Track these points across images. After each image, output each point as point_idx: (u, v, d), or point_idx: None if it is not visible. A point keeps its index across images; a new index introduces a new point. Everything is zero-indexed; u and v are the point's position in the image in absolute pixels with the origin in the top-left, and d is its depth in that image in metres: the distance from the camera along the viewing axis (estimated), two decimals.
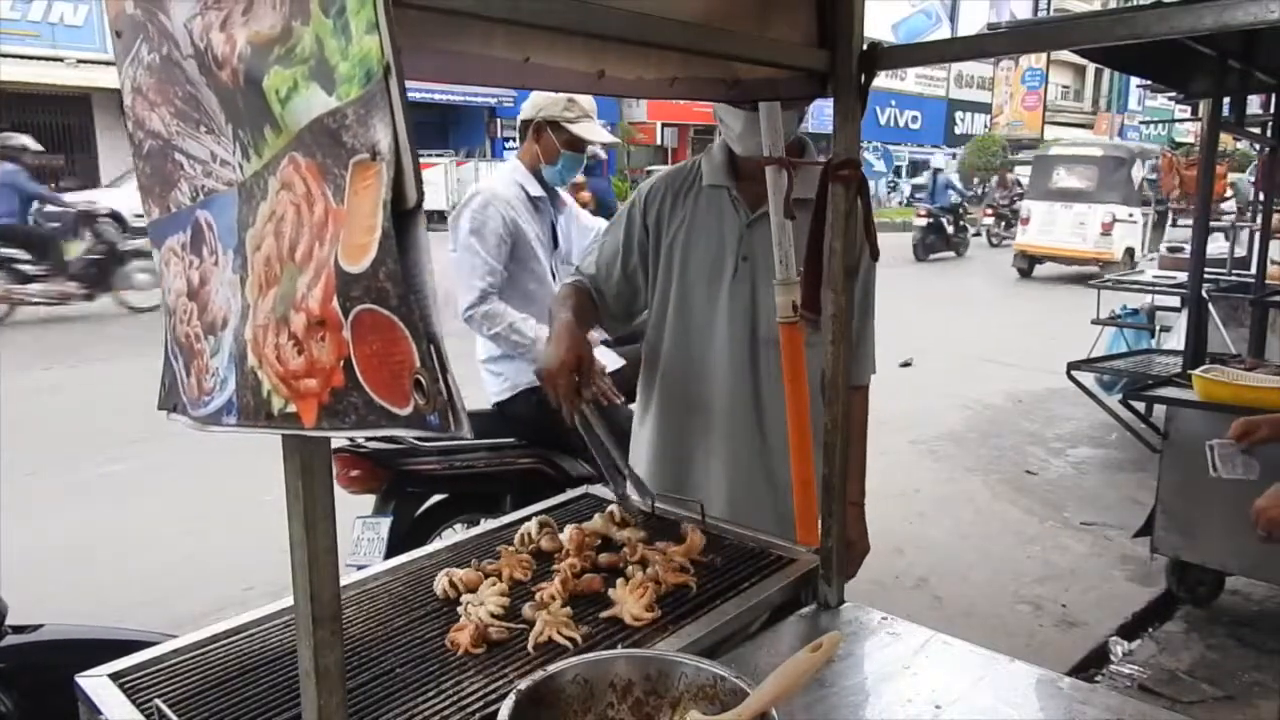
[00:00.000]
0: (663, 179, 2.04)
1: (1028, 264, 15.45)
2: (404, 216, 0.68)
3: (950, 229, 17.47)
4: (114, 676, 1.25)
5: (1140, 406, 4.26)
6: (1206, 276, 4.76)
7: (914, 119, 33.55)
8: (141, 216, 1.08)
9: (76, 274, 9.38)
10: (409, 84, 0.69)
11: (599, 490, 1.98)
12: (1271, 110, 5.25)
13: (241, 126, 0.83)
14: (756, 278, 1.90)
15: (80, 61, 16.56)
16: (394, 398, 0.71)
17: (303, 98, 0.73)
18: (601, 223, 3.08)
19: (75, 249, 9.50)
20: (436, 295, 0.69)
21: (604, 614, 1.39)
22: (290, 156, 0.77)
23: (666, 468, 2.02)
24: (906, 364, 7.89)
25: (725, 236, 1.93)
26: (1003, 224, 19.26)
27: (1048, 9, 32.68)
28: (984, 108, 36.24)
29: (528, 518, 1.78)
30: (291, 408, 0.79)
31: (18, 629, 1.81)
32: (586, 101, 2.80)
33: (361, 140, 0.69)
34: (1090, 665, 3.29)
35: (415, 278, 0.68)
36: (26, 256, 9.16)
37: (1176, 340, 5.44)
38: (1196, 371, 3.41)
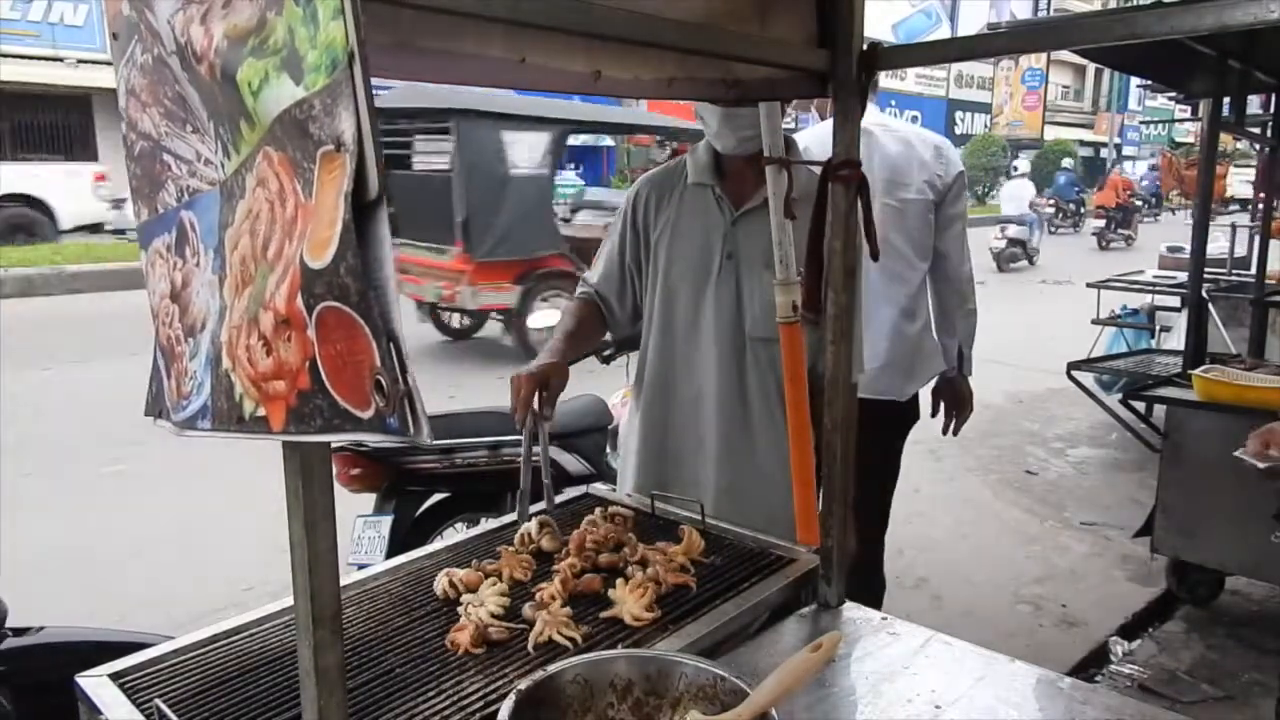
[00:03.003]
0: (650, 179, 2.07)
1: None
2: (365, 209, 0.66)
3: None
4: (114, 676, 1.25)
5: (1140, 406, 4.25)
6: (1206, 276, 4.76)
7: (914, 119, 33.51)
8: None
9: None
10: (409, 85, 0.69)
11: (599, 490, 1.98)
12: (1271, 110, 5.25)
13: (221, 123, 0.82)
14: (741, 274, 1.92)
15: (80, 61, 16.55)
16: (356, 400, 0.70)
17: (273, 89, 0.72)
18: None
19: None
20: (397, 292, 0.68)
21: (604, 614, 1.39)
22: (264, 151, 0.76)
23: (657, 463, 2.04)
24: None
25: (710, 234, 1.95)
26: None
27: (1048, 9, 32.67)
28: (984, 108, 36.22)
29: (528, 517, 1.78)
30: (261, 411, 0.78)
31: (18, 631, 1.81)
32: None
33: (328, 131, 0.68)
34: (1090, 665, 3.28)
35: (375, 273, 0.67)
36: None
37: (1176, 340, 5.44)
38: (1196, 371, 3.40)
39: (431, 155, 7.98)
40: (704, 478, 1.97)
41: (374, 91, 0.67)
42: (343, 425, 0.71)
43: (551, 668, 1.09)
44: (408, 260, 7.86)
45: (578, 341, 1.97)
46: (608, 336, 2.62)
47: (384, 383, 0.67)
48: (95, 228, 14.55)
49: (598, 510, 1.74)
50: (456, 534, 2.13)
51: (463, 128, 7.22)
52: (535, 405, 1.76)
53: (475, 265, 7.54)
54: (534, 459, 2.97)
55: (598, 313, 2.07)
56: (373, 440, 0.71)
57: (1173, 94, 5.46)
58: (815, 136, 2.66)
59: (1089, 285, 6.63)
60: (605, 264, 2.08)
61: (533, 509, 1.78)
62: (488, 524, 1.85)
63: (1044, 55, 31.69)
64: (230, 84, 0.76)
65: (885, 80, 27.36)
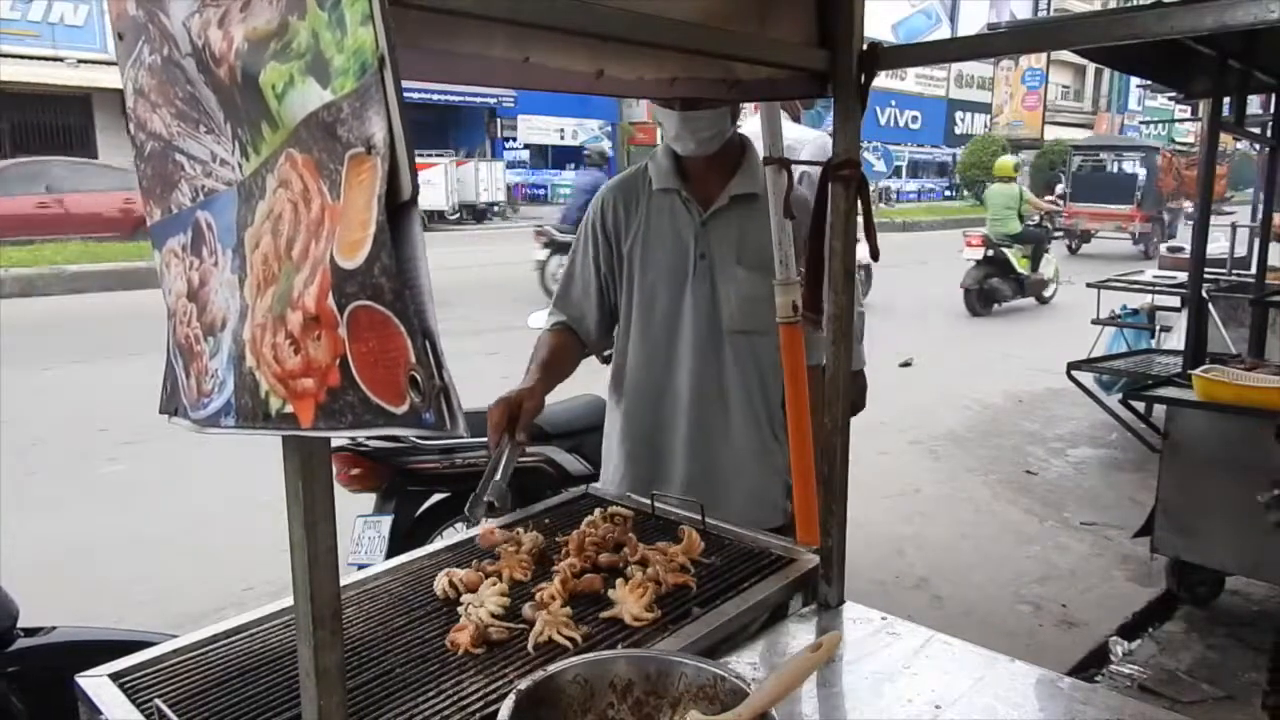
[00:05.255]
0: (611, 189, 2.07)
1: None
2: (398, 211, 0.67)
3: None
4: (114, 676, 1.25)
5: (1140, 406, 4.26)
6: (1206, 276, 4.76)
7: (914, 119, 33.52)
8: None
9: None
10: (409, 84, 0.69)
11: (599, 490, 1.98)
12: (1271, 110, 5.25)
13: (240, 125, 0.82)
14: (715, 273, 1.95)
15: (80, 61, 16.56)
16: (390, 396, 0.70)
17: (299, 92, 0.73)
18: None
19: None
20: (432, 290, 0.68)
21: (604, 614, 1.39)
22: (287, 153, 0.76)
23: (641, 461, 2.06)
24: (906, 364, 7.89)
25: (682, 237, 1.97)
26: None
27: (1048, 9, 32.67)
28: (984, 108, 36.21)
29: (528, 517, 1.78)
30: (289, 408, 0.78)
31: (29, 631, 1.81)
32: None
33: (356, 134, 0.68)
34: (1090, 665, 3.28)
35: (409, 273, 0.67)
36: None
37: (1176, 340, 5.45)
38: (1196, 371, 3.40)
39: (1123, 163, 19.61)
40: (677, 466, 2.00)
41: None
42: (375, 421, 0.72)
43: (551, 668, 1.09)
44: (1094, 213, 18.65)
45: (552, 371, 1.97)
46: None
47: (419, 379, 0.68)
48: None
49: (597, 510, 1.74)
50: (456, 534, 2.13)
51: (1147, 154, 19.22)
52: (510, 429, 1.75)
53: (1139, 213, 18.43)
54: (524, 460, 2.97)
55: (571, 340, 2.08)
56: (408, 435, 0.71)
57: (1173, 94, 5.47)
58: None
59: (1089, 285, 6.63)
60: (573, 282, 2.09)
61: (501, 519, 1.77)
62: (488, 524, 1.85)
63: (1044, 55, 31.68)
64: (252, 87, 0.76)
65: (885, 80, 27.38)
